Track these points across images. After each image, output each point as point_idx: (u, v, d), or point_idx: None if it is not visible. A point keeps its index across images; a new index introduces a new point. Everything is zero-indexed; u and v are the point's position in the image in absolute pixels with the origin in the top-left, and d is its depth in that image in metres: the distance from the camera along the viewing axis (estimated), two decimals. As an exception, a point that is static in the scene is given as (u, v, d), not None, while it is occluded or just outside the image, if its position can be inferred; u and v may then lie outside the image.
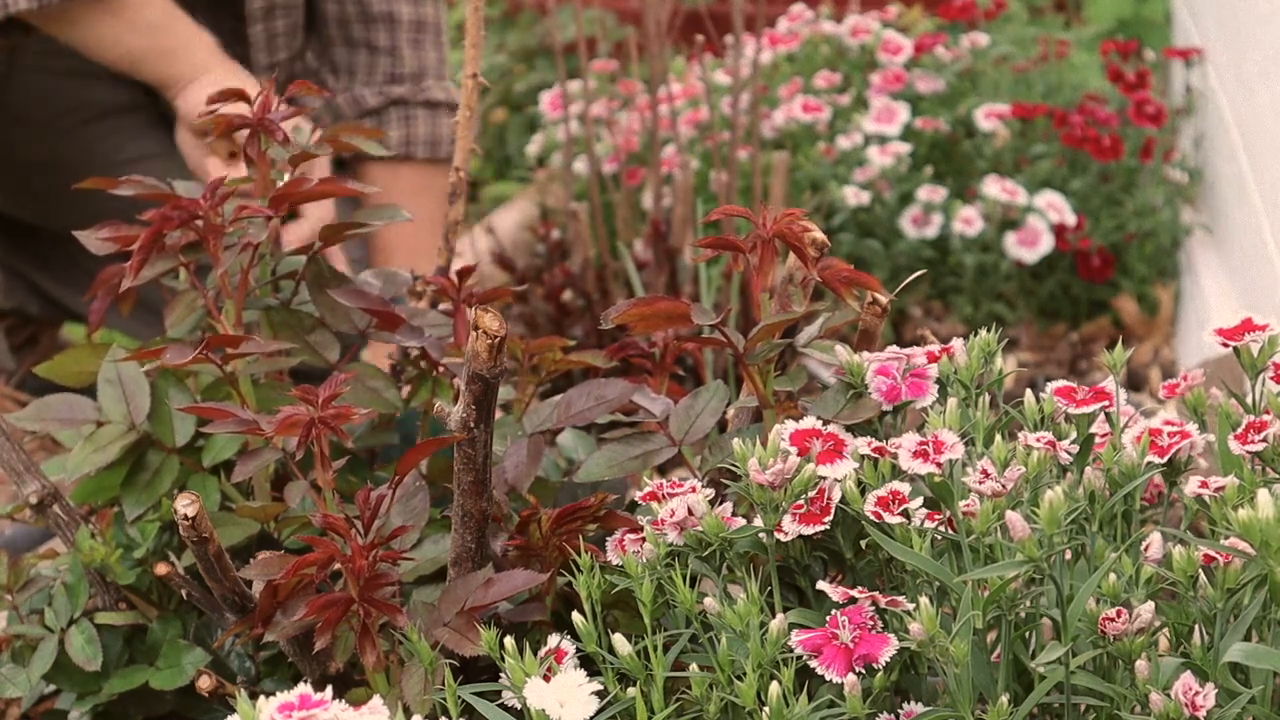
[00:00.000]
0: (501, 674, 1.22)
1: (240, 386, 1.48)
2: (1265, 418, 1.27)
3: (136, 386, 1.51)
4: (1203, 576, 1.20)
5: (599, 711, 1.19)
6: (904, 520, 1.22)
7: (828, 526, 1.25)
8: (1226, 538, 1.17)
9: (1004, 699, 1.16)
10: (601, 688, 1.21)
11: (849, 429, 1.31)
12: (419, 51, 2.46)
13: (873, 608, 1.20)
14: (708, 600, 1.24)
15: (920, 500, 1.23)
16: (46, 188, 2.32)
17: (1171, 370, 2.87)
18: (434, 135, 2.45)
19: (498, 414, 1.36)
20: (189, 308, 1.53)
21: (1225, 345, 1.31)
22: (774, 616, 1.21)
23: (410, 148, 2.43)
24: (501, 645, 1.21)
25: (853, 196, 2.98)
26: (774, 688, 1.16)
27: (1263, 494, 1.11)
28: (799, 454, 1.25)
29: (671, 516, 1.26)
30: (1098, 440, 1.27)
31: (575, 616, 1.25)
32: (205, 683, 1.42)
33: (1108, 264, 2.98)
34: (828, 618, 1.20)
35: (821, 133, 3.16)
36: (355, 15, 2.43)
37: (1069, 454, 1.25)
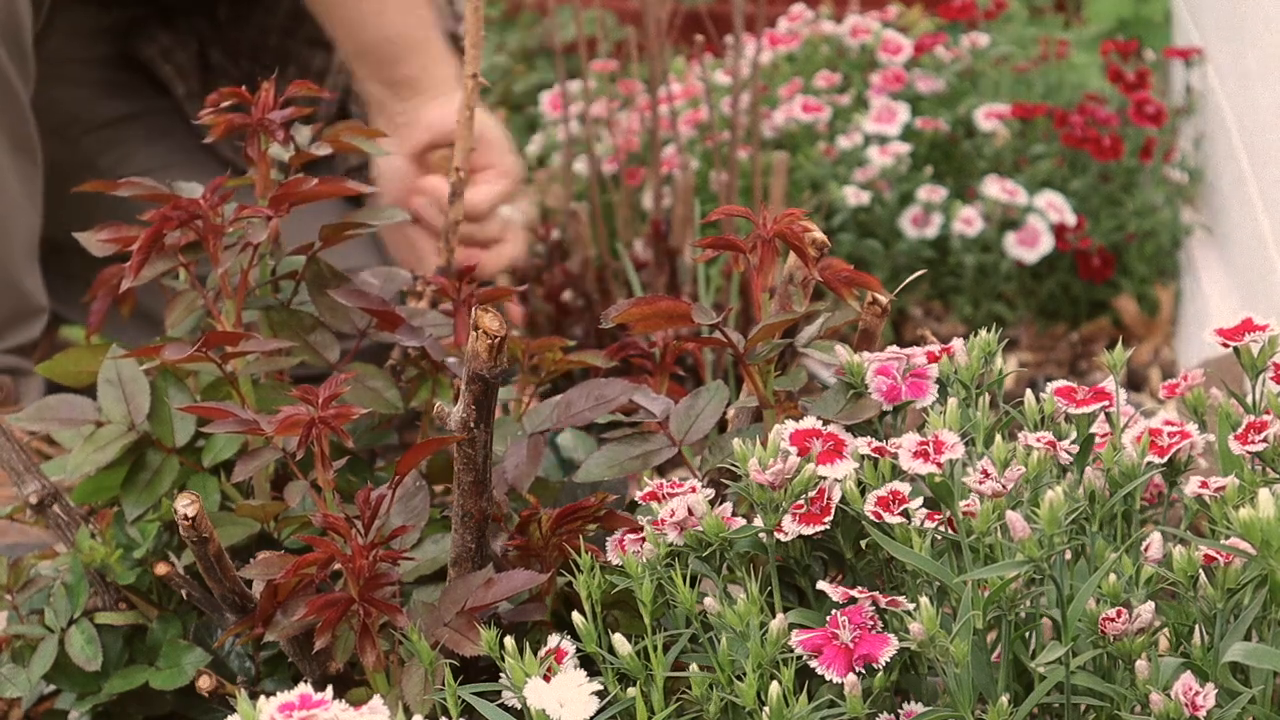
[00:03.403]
0: (501, 674, 1.22)
1: (240, 386, 1.48)
2: (1265, 418, 1.27)
3: (136, 386, 1.51)
4: (1203, 576, 1.20)
5: (599, 711, 1.19)
6: (904, 520, 1.22)
7: (828, 526, 1.25)
8: (1227, 538, 1.17)
9: (1004, 699, 1.16)
10: (601, 688, 1.21)
11: (849, 429, 1.31)
12: None
13: (873, 608, 1.20)
14: (708, 600, 1.24)
15: (920, 500, 1.23)
16: (47, 196, 2.33)
17: (1171, 370, 2.87)
18: None
19: (497, 413, 1.36)
20: (189, 308, 1.53)
21: (1225, 345, 1.31)
22: (774, 616, 1.21)
23: None
24: (501, 645, 1.21)
25: (853, 196, 2.98)
26: (774, 688, 1.16)
27: (1263, 494, 1.11)
28: (799, 454, 1.25)
29: (671, 516, 1.26)
30: (1098, 440, 1.27)
31: (575, 616, 1.25)
32: (205, 683, 1.42)
33: (1108, 264, 2.98)
34: (828, 618, 1.20)
35: (821, 133, 3.16)
36: None
37: (1069, 454, 1.25)
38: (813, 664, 1.18)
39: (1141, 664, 1.17)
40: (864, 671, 1.18)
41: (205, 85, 2.47)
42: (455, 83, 2.09)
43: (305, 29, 2.39)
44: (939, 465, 1.21)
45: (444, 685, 1.23)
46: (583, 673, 1.17)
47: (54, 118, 2.33)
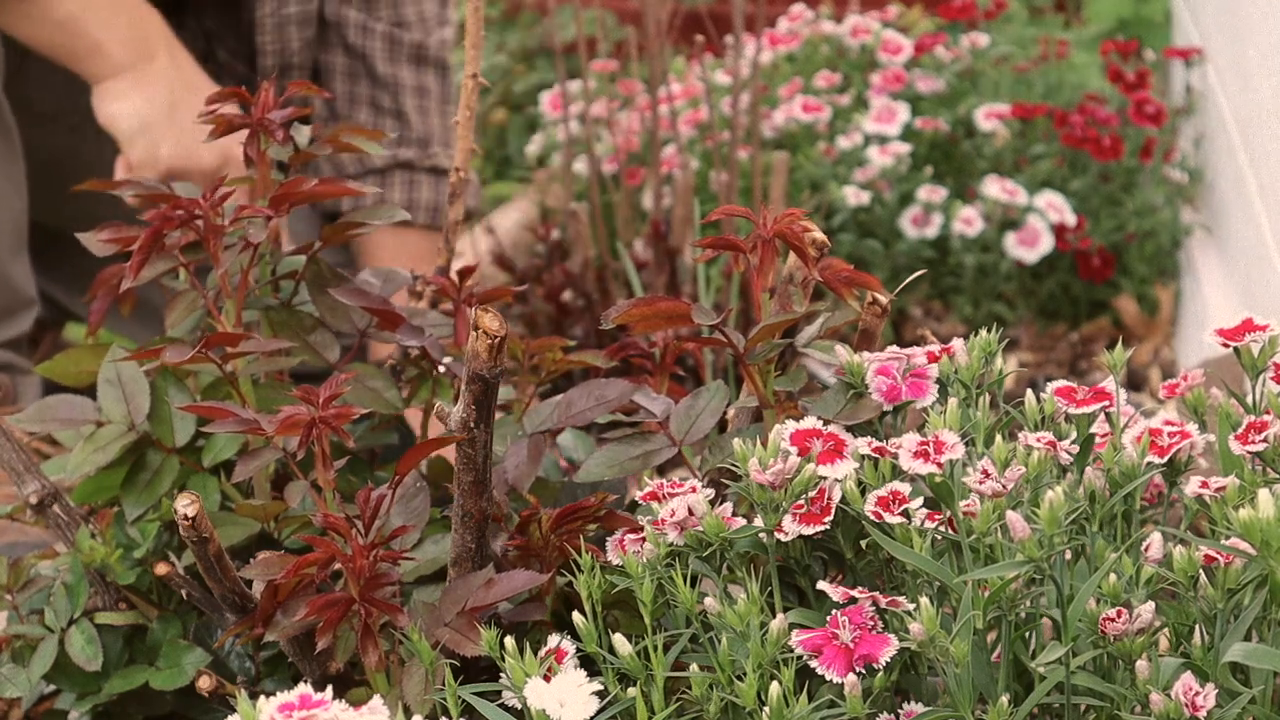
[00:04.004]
0: (502, 674, 1.22)
1: (240, 386, 1.48)
2: (1266, 418, 1.27)
3: (136, 386, 1.51)
4: (1203, 576, 1.20)
5: (599, 711, 1.19)
6: (904, 520, 1.22)
7: (828, 526, 1.25)
8: (1227, 538, 1.17)
9: (1004, 699, 1.16)
10: (602, 688, 1.21)
11: (849, 429, 1.31)
12: (425, 118, 2.47)
13: (873, 608, 1.20)
14: (708, 600, 1.24)
15: (920, 500, 1.23)
16: (52, 183, 2.32)
17: (1171, 370, 2.87)
18: (437, 202, 2.45)
19: (498, 414, 1.36)
20: (189, 308, 1.53)
21: (1225, 345, 1.31)
22: (774, 616, 1.21)
23: (413, 212, 2.42)
24: (502, 645, 1.21)
25: (853, 196, 2.98)
26: (774, 688, 1.16)
27: (1263, 494, 1.11)
28: (799, 454, 1.25)
29: (672, 516, 1.26)
30: (1098, 440, 1.27)
31: (575, 616, 1.25)
32: (205, 683, 1.42)
33: (1108, 264, 2.98)
34: (828, 618, 1.20)
35: (821, 133, 3.16)
36: (363, 73, 2.44)
37: (1069, 454, 1.25)
38: (813, 664, 1.18)
39: (1141, 664, 1.17)
40: (864, 671, 1.18)
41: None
42: (125, 60, 2.15)
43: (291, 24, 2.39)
44: (939, 465, 1.21)
45: (444, 685, 1.23)
46: (583, 673, 1.17)
47: (59, 106, 2.33)
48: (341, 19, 2.42)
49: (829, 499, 1.26)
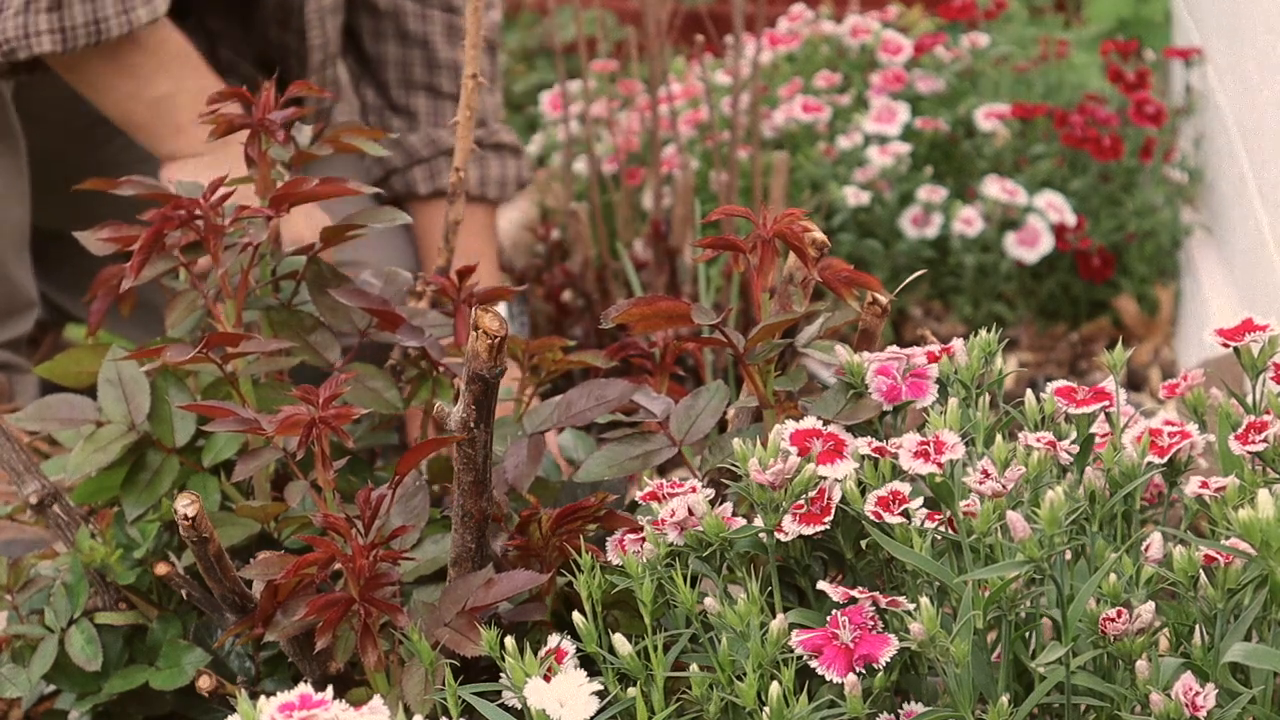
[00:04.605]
0: (502, 674, 1.22)
1: (240, 386, 1.49)
2: (1266, 418, 1.27)
3: (136, 386, 1.51)
4: (1203, 576, 1.20)
5: (599, 711, 1.19)
6: (904, 520, 1.22)
7: (828, 526, 1.25)
8: (1227, 538, 1.17)
9: (1004, 699, 1.16)
10: (602, 688, 1.21)
11: (849, 429, 1.31)
12: (482, 98, 2.49)
13: (873, 608, 1.20)
14: (708, 600, 1.24)
15: (920, 500, 1.23)
16: (54, 186, 2.33)
17: (1171, 370, 2.87)
18: (504, 176, 2.49)
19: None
20: (189, 308, 1.53)
21: (1225, 345, 1.31)
22: (774, 616, 1.21)
23: (484, 188, 2.46)
24: (502, 645, 1.21)
25: (853, 196, 2.98)
26: (774, 688, 1.16)
27: (1263, 494, 1.11)
28: (799, 454, 1.25)
29: (672, 516, 1.26)
30: (1098, 440, 1.27)
31: (575, 616, 1.25)
32: (205, 683, 1.43)
33: (1108, 264, 2.98)
34: (828, 618, 1.20)
35: (821, 133, 3.16)
36: (419, 60, 2.45)
37: (1069, 454, 1.25)
38: (813, 664, 1.18)
39: (1142, 664, 1.17)
40: (864, 671, 1.18)
41: None
42: (194, 148, 2.15)
43: (294, 21, 2.39)
44: (939, 465, 1.21)
45: (444, 685, 1.23)
46: (583, 673, 1.17)
47: (62, 109, 2.33)
48: (399, 8, 2.45)
49: (829, 499, 1.26)
